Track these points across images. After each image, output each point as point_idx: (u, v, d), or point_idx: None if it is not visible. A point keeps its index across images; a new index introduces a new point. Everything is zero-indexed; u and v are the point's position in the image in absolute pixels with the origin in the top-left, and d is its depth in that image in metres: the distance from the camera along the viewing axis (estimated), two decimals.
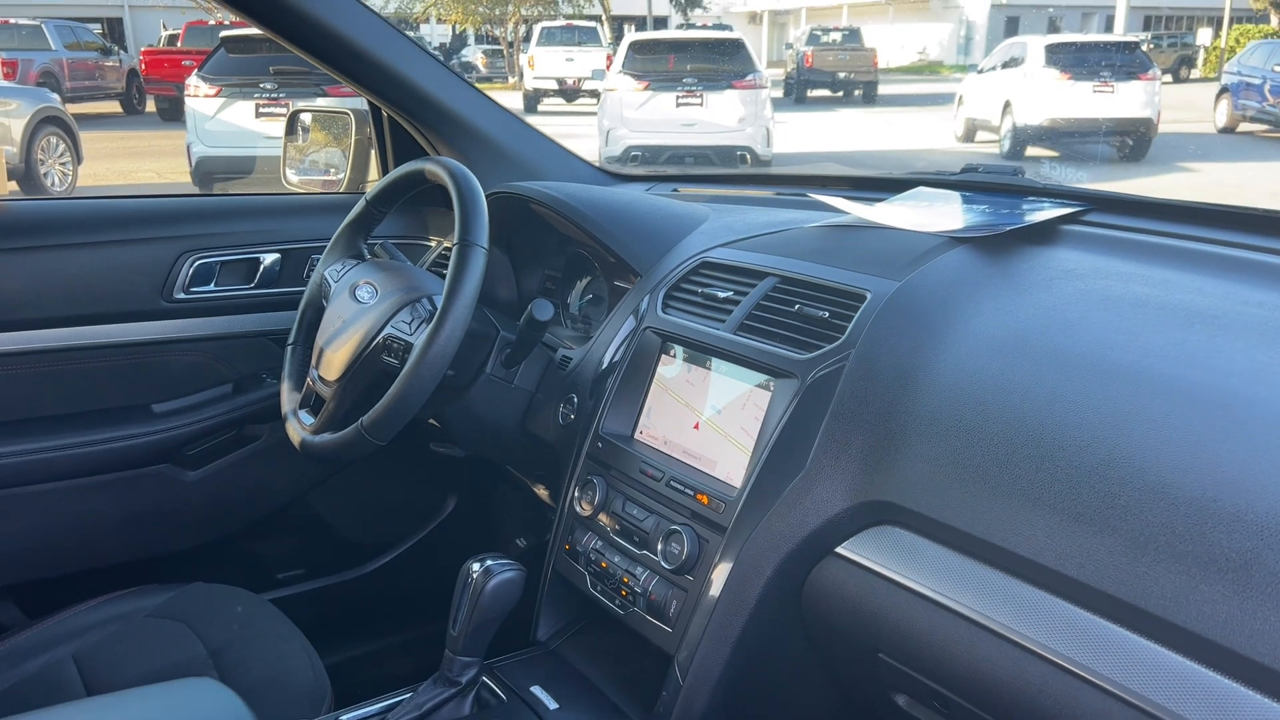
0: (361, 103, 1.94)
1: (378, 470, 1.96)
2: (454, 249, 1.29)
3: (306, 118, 2.12)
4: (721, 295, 1.30)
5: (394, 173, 1.48)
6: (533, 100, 18.14)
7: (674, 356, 1.31)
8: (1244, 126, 14.31)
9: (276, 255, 1.81)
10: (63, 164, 9.68)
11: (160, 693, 0.94)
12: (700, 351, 1.27)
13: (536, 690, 1.21)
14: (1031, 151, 12.24)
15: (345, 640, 1.85)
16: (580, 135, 10.74)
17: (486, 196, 1.66)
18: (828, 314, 1.16)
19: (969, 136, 14.10)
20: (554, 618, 1.35)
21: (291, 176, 2.06)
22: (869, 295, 1.14)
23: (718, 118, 10.00)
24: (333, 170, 2.07)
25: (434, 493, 2.02)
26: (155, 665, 1.35)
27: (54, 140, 9.62)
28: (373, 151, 1.99)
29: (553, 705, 1.18)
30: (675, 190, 1.88)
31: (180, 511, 1.76)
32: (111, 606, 1.47)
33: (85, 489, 1.66)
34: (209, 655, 1.38)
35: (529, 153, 1.86)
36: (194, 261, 1.73)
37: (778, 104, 12.44)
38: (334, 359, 1.39)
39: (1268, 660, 0.72)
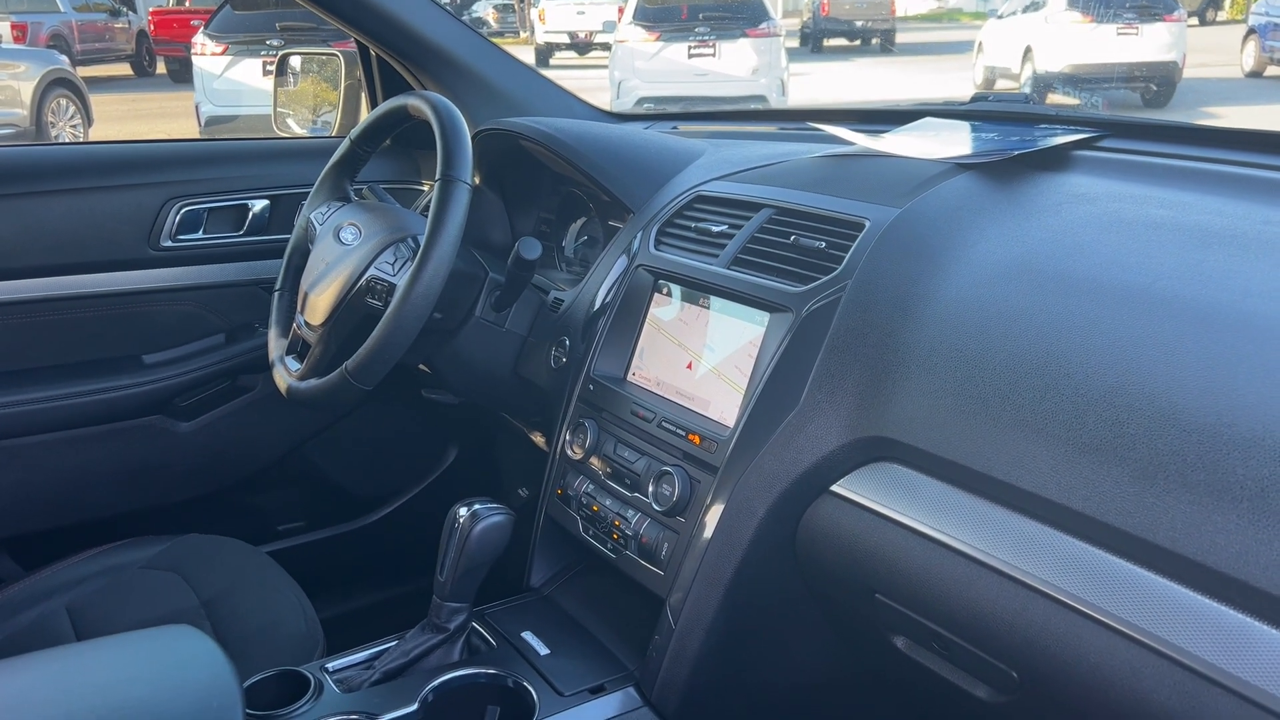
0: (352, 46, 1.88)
1: (377, 421, 1.93)
2: (436, 185, 1.24)
3: (296, 61, 2.07)
4: (715, 229, 1.25)
5: (377, 110, 1.43)
6: (545, 55, 17.89)
7: (667, 295, 1.27)
8: (1271, 70, 13.91)
9: (266, 201, 1.77)
10: (73, 126, 9.65)
11: (135, 640, 0.91)
12: (693, 288, 1.22)
13: (527, 636, 1.18)
14: (1053, 99, 11.97)
15: (345, 592, 1.84)
16: (593, 89, 10.57)
17: (475, 133, 1.61)
18: (824, 244, 1.11)
19: (989, 85, 13.78)
20: (547, 563, 1.32)
21: (281, 121, 2.01)
22: (867, 224, 1.09)
23: (731, 68, 9.82)
24: (323, 114, 2.02)
25: (435, 443, 1.99)
26: (148, 615, 1.34)
27: (64, 102, 9.57)
28: (363, 94, 1.94)
29: (544, 650, 1.15)
30: (675, 128, 1.82)
31: (175, 463, 1.74)
32: (106, 558, 1.46)
33: (76, 441, 1.64)
34: (201, 605, 1.36)
35: (522, 91, 1.80)
36: (181, 208, 1.69)
37: (794, 54, 12.20)
38: (318, 303, 1.35)
39: None
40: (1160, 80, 11.52)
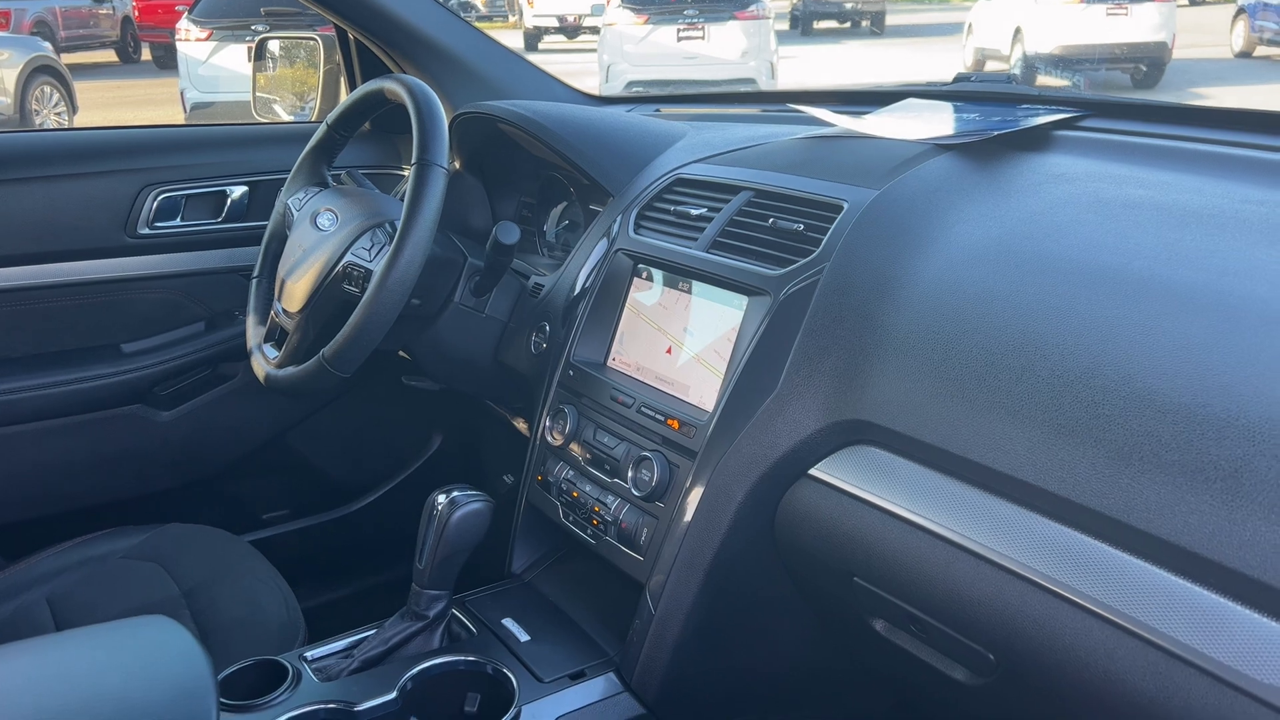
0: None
1: (360, 408, 1.92)
2: (412, 169, 1.23)
3: (274, 46, 2.05)
4: (694, 212, 1.24)
5: (354, 94, 1.42)
6: (533, 39, 17.78)
7: (647, 279, 1.26)
8: (1261, 50, 13.89)
9: (244, 188, 1.75)
10: (58, 114, 9.55)
11: (108, 630, 0.91)
12: (672, 272, 1.22)
13: (508, 622, 1.18)
14: (1042, 80, 11.94)
15: (328, 581, 1.83)
16: (583, 73, 10.52)
17: (455, 117, 1.59)
18: (802, 227, 1.10)
19: (979, 66, 13.72)
20: (528, 550, 1.31)
21: (261, 106, 1.99)
22: (845, 205, 1.08)
23: (720, 50, 9.77)
24: (303, 99, 2.00)
25: (419, 431, 1.98)
26: (128, 606, 1.33)
27: (48, 90, 9.48)
28: (342, 79, 1.92)
29: (524, 637, 1.15)
30: (657, 111, 1.80)
31: (156, 452, 1.72)
32: (86, 548, 1.44)
33: (55, 431, 1.63)
34: (182, 595, 1.35)
35: (503, 74, 1.78)
36: (158, 195, 1.67)
37: (784, 37, 12.13)
38: (295, 290, 1.34)
39: (1256, 573, 0.67)
40: (1150, 61, 11.50)
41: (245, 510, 1.87)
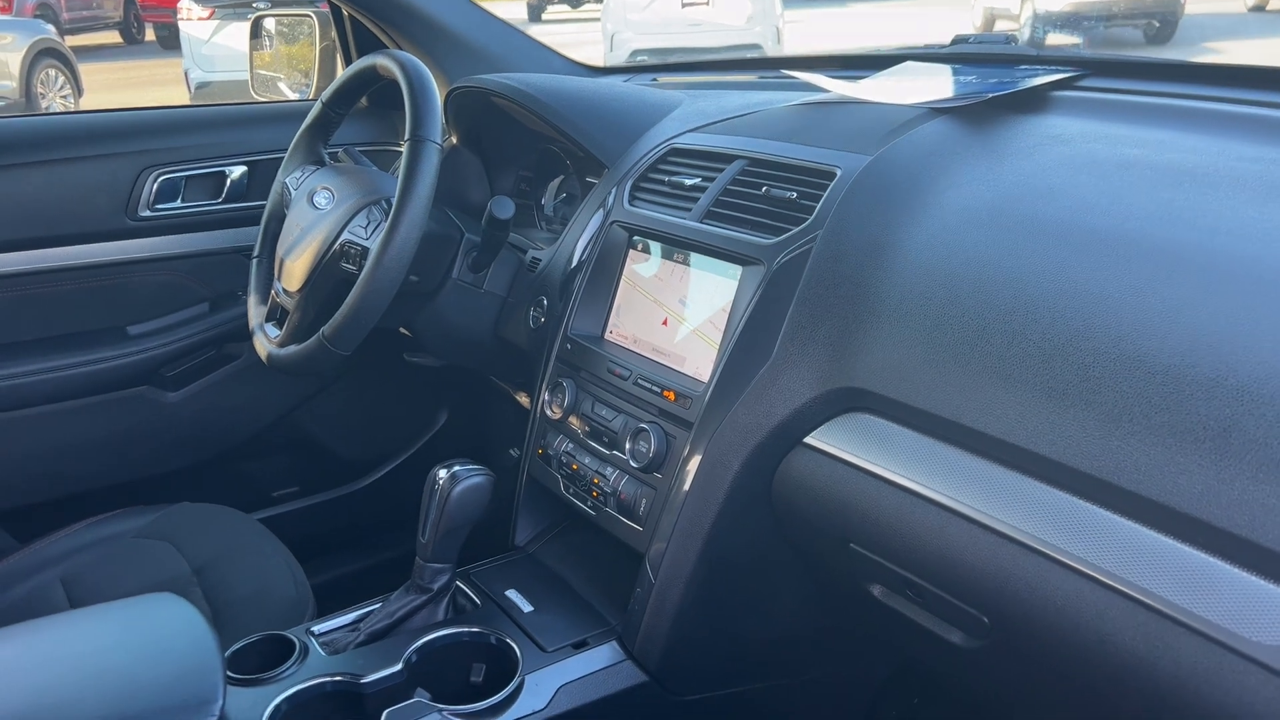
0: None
1: (367, 385, 1.94)
2: (405, 145, 1.23)
3: (270, 24, 2.04)
4: (689, 183, 1.24)
5: (346, 71, 1.42)
6: (537, 10, 17.61)
7: (643, 251, 1.26)
8: (1275, 4, 13.64)
9: (244, 168, 1.75)
10: (64, 97, 9.55)
11: (116, 608, 0.92)
12: (667, 243, 1.21)
13: (511, 594, 1.19)
14: (1053, 40, 11.76)
15: (337, 557, 1.85)
16: (588, 43, 10.44)
17: (449, 92, 1.59)
18: (795, 195, 1.09)
19: (988, 27, 13.51)
20: (531, 523, 1.32)
21: (259, 85, 1.98)
22: (838, 172, 1.07)
23: (725, 17, 9.66)
24: (300, 77, 1.99)
25: (425, 407, 1.99)
26: (140, 584, 1.35)
27: (53, 73, 9.46)
28: (338, 56, 1.92)
29: (527, 608, 1.16)
30: (654, 80, 1.79)
31: (164, 433, 1.74)
32: (99, 528, 1.47)
33: (64, 414, 1.65)
34: (193, 573, 1.37)
35: (498, 47, 1.77)
36: (157, 177, 1.67)
37: (789, 1, 11.99)
38: (294, 269, 1.34)
39: (1245, 532, 0.67)
40: (1162, 16, 11.29)
41: (254, 488, 1.88)
